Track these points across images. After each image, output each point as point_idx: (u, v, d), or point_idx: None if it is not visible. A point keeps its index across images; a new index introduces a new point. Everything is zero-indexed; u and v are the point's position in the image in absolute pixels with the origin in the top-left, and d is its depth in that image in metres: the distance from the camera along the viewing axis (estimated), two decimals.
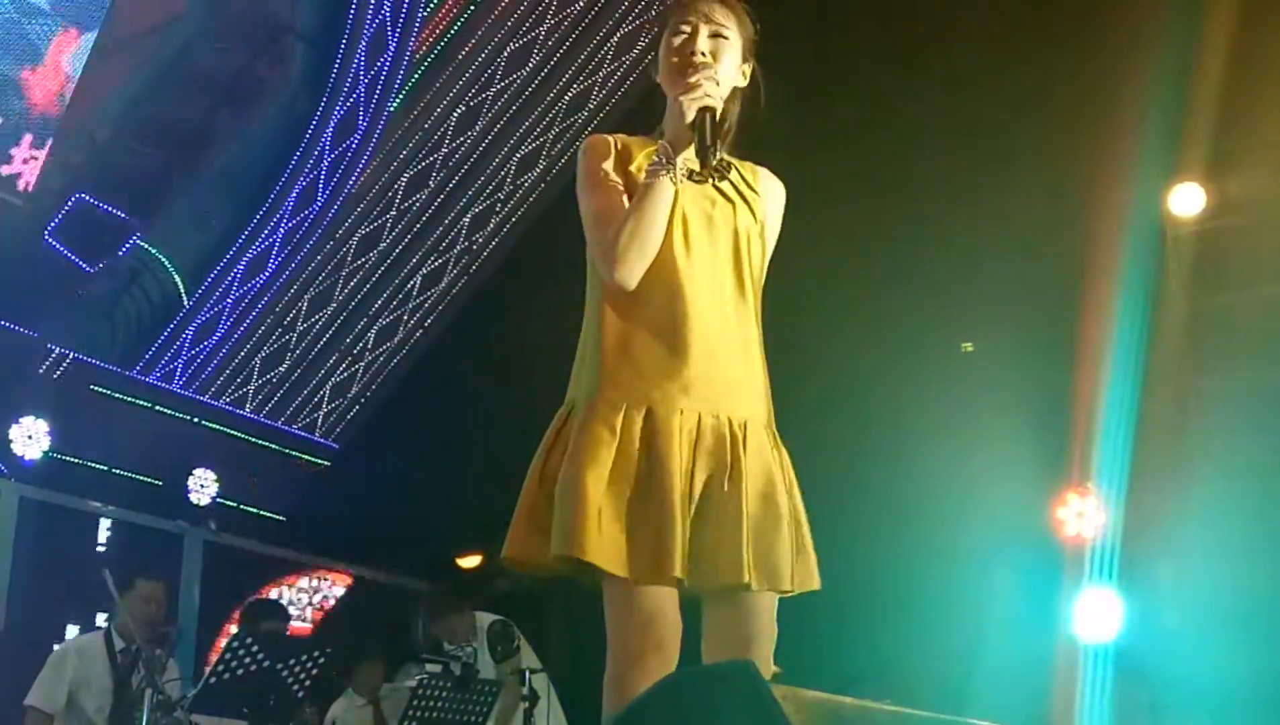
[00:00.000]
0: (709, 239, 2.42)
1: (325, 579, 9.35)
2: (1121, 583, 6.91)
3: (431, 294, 9.84)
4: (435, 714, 5.42)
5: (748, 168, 2.55)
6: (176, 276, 8.55)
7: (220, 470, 8.80)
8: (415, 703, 5.45)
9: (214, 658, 5.72)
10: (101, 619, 7.11)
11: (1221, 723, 6.09)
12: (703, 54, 2.44)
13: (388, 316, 9.72)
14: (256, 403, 9.24)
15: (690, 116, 2.35)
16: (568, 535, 2.22)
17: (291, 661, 5.17)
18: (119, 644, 5.39)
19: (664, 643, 2.25)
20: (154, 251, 8.43)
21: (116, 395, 8.36)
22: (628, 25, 9.62)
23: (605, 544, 2.21)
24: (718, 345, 2.38)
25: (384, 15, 8.94)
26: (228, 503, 8.90)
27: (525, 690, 5.52)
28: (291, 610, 8.14)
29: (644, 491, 2.26)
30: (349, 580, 9.51)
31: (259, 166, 8.78)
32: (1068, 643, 6.85)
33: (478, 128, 9.46)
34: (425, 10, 9.09)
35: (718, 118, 2.38)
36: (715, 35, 2.46)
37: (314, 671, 5.23)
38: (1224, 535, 6.59)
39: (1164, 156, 6.99)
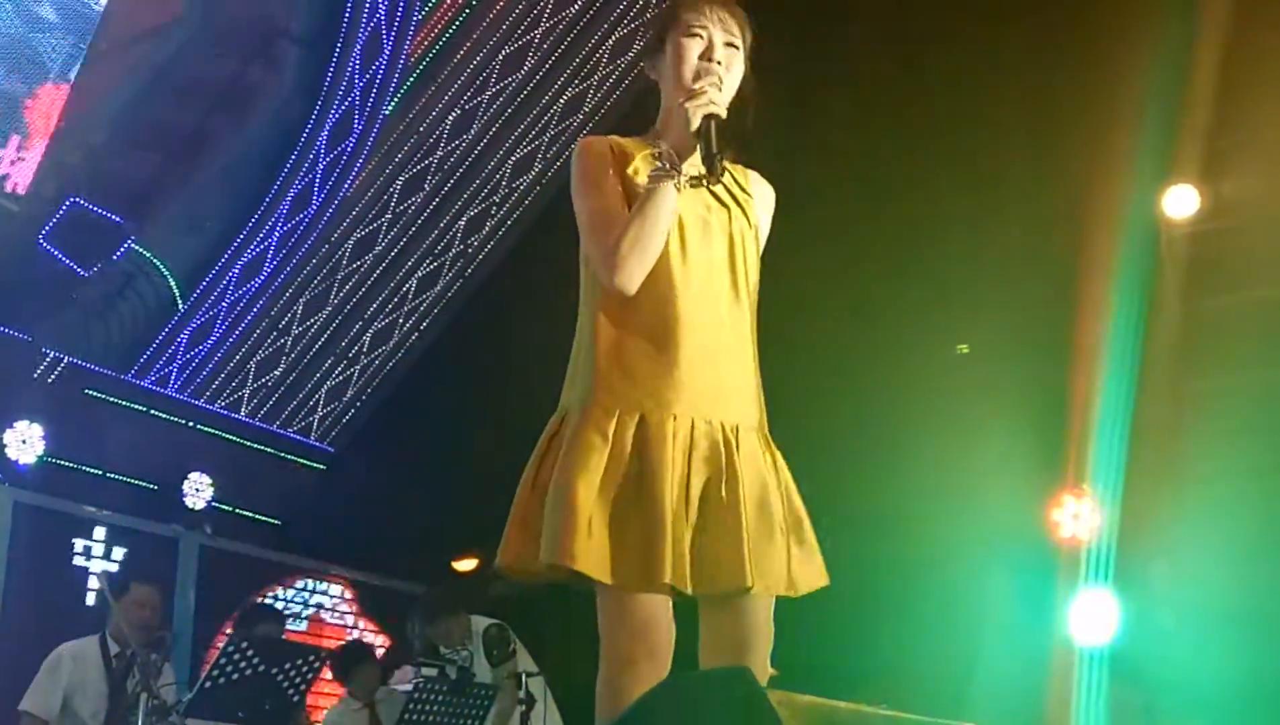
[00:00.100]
0: (705, 244, 2.42)
1: (321, 583, 9.34)
2: (1117, 584, 6.93)
3: (427, 297, 9.84)
4: (431, 718, 5.42)
5: (739, 170, 2.54)
6: (171, 280, 8.54)
7: (215, 474, 8.79)
8: (411, 706, 5.44)
9: (209, 662, 5.71)
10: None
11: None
12: (718, 63, 2.43)
13: (383, 320, 9.71)
14: (252, 406, 9.24)
15: (696, 124, 2.34)
16: (558, 543, 2.22)
17: (287, 666, 5.17)
18: (114, 649, 5.38)
19: (657, 648, 2.25)
20: (149, 255, 8.42)
21: (111, 399, 8.35)
22: (623, 29, 9.63)
23: (595, 552, 2.21)
24: (712, 351, 2.38)
25: (379, 18, 8.94)
26: (223, 507, 8.89)
27: (522, 694, 5.52)
28: (287, 614, 8.13)
29: (635, 498, 2.26)
30: (345, 584, 9.49)
31: (254, 170, 8.77)
32: (1063, 645, 6.86)
33: (473, 131, 9.46)
34: (420, 13, 9.08)
35: (722, 125, 2.36)
36: (728, 44, 2.46)
37: (310, 676, 5.23)
38: (1220, 537, 6.60)
39: (1159, 158, 7.01)
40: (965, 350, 8.01)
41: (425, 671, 5.64)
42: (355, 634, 9.18)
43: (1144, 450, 6.78)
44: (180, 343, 8.69)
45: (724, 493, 2.30)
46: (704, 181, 2.40)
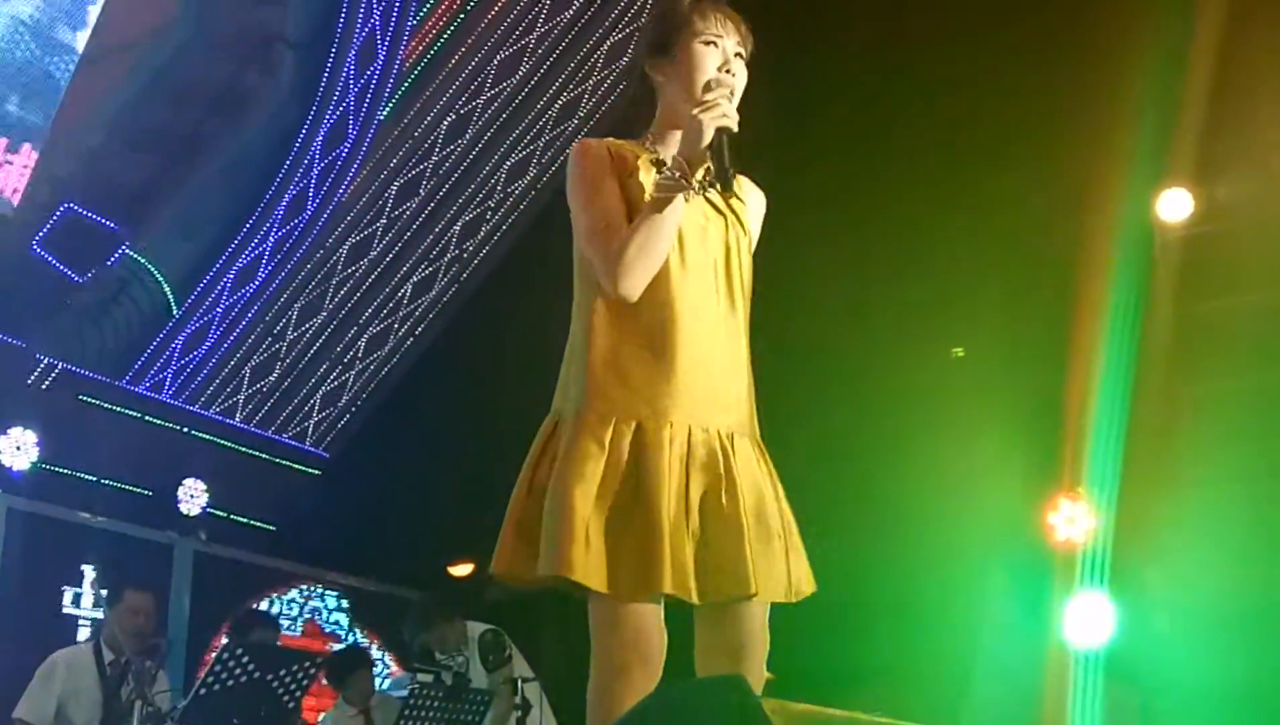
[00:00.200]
0: (703, 252, 2.41)
1: (316, 588, 9.32)
2: (1112, 587, 6.93)
3: (422, 302, 9.83)
4: (427, 724, 5.41)
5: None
6: (166, 286, 8.53)
7: (210, 480, 8.77)
8: (407, 712, 5.43)
9: (204, 668, 5.69)
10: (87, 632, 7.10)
11: None
12: (731, 74, 2.40)
13: (378, 325, 9.70)
14: (246, 412, 9.22)
15: (709, 136, 2.30)
16: (555, 553, 2.21)
17: (282, 672, 5.14)
18: (108, 655, 5.36)
19: (650, 656, 2.25)
20: (143, 261, 8.41)
21: (105, 405, 8.34)
22: (618, 33, 9.63)
23: (592, 562, 2.20)
24: (708, 358, 2.37)
25: (374, 23, 8.94)
26: (218, 513, 8.87)
27: (517, 699, 5.50)
28: (282, 620, 8.11)
29: (633, 506, 2.25)
30: (340, 589, 9.48)
31: (249, 175, 8.77)
32: (1059, 647, 6.86)
33: (468, 136, 9.46)
34: (415, 18, 9.09)
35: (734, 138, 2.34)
36: (736, 54, 2.44)
37: (305, 682, 5.21)
38: (1215, 540, 6.61)
39: (1153, 162, 7.02)
40: (961, 353, 8.02)
41: (421, 677, 5.63)
42: (350, 639, 9.17)
43: (1139, 454, 6.79)
44: (175, 348, 8.68)
45: (723, 500, 2.29)
46: (706, 189, 2.38)
